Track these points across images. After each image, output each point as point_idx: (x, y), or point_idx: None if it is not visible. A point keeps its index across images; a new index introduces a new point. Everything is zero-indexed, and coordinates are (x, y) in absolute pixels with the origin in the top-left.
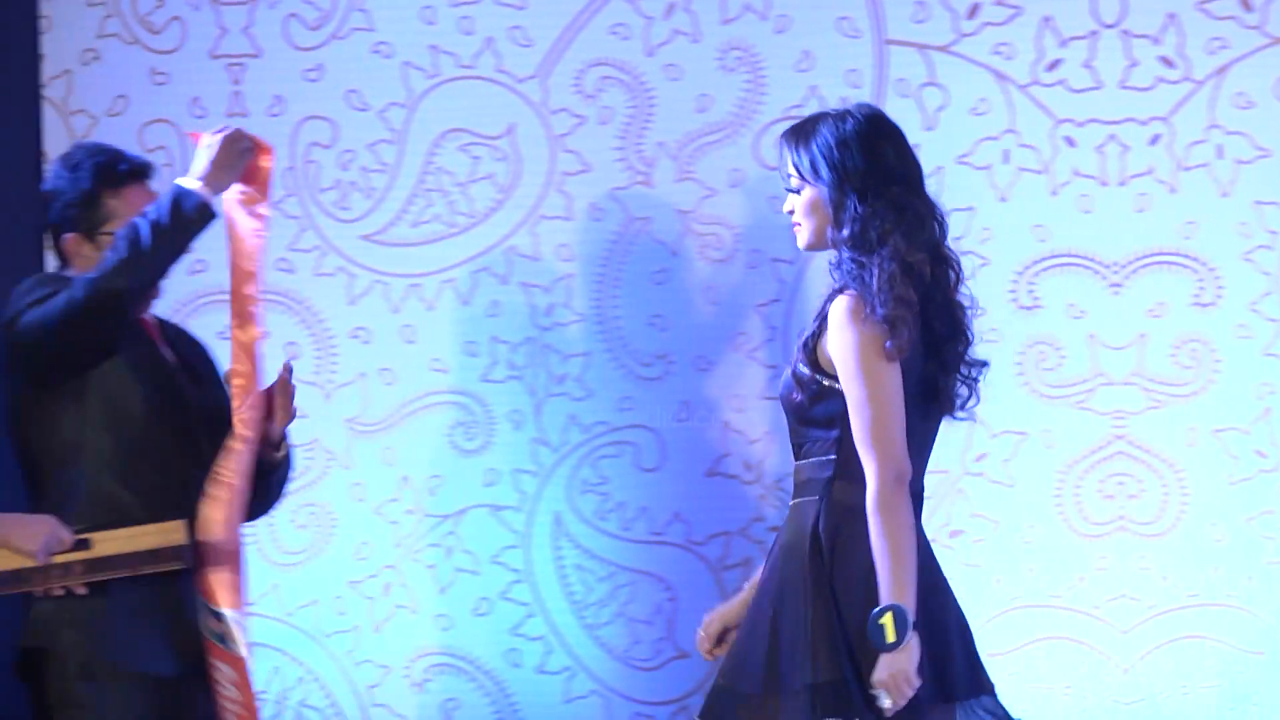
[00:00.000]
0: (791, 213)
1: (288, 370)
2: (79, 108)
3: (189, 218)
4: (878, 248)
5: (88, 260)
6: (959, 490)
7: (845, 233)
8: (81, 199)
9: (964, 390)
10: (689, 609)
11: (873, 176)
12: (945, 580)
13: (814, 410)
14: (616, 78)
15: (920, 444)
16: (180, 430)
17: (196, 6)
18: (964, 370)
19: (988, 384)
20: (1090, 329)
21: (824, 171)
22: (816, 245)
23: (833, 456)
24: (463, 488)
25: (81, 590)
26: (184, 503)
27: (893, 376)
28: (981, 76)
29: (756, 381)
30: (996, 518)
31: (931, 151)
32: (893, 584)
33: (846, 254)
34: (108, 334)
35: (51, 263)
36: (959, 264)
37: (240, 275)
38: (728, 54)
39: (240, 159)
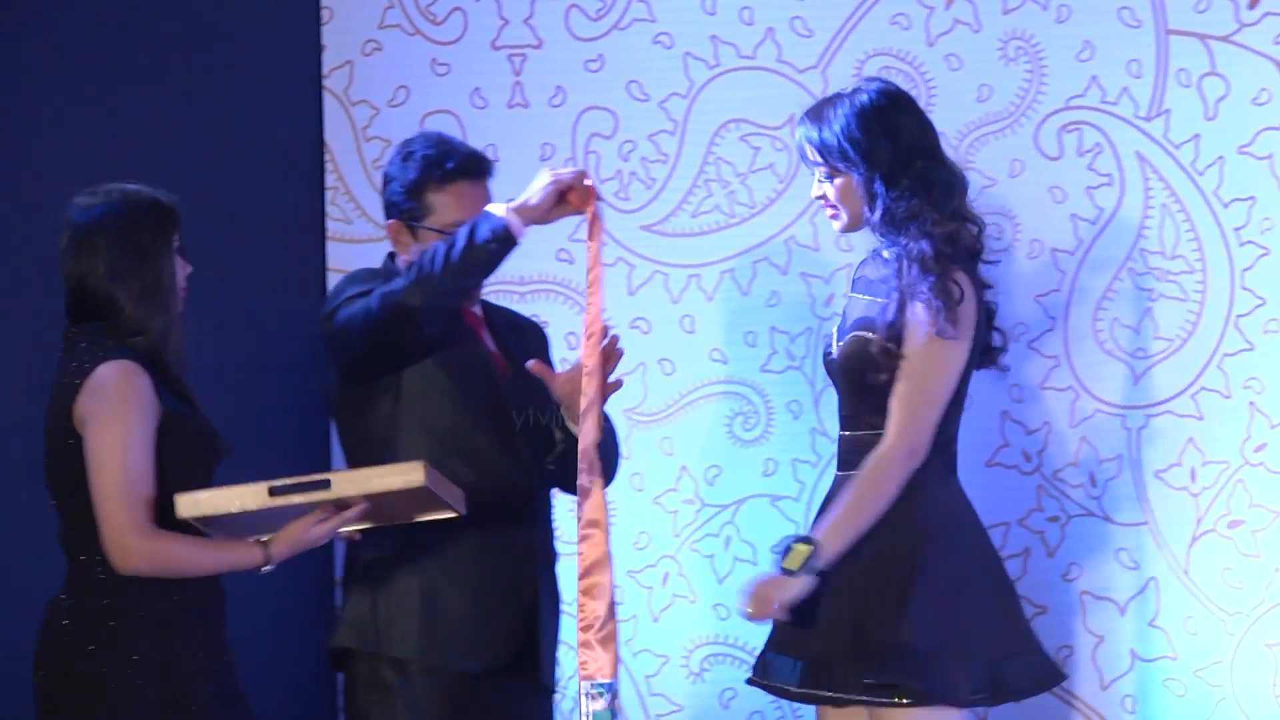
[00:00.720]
0: (822, 197)
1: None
2: (360, 98)
3: (480, 249)
4: (907, 226)
5: (405, 249)
6: (1238, 481)
7: (876, 216)
8: (406, 189)
9: (997, 339)
10: None
11: (898, 156)
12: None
13: (886, 385)
14: (896, 67)
15: (959, 400)
16: (495, 423)
17: None
18: (993, 320)
19: (1269, 374)
20: None
21: (854, 156)
22: (854, 228)
23: None
24: (741, 478)
25: (356, 537)
26: (497, 494)
27: (957, 362)
28: (1263, 66)
29: (1036, 372)
30: (1277, 508)
31: (1212, 141)
32: (836, 531)
33: (881, 238)
34: (406, 345)
35: (334, 252)
36: (980, 219)
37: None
38: (1008, 44)
39: (552, 198)
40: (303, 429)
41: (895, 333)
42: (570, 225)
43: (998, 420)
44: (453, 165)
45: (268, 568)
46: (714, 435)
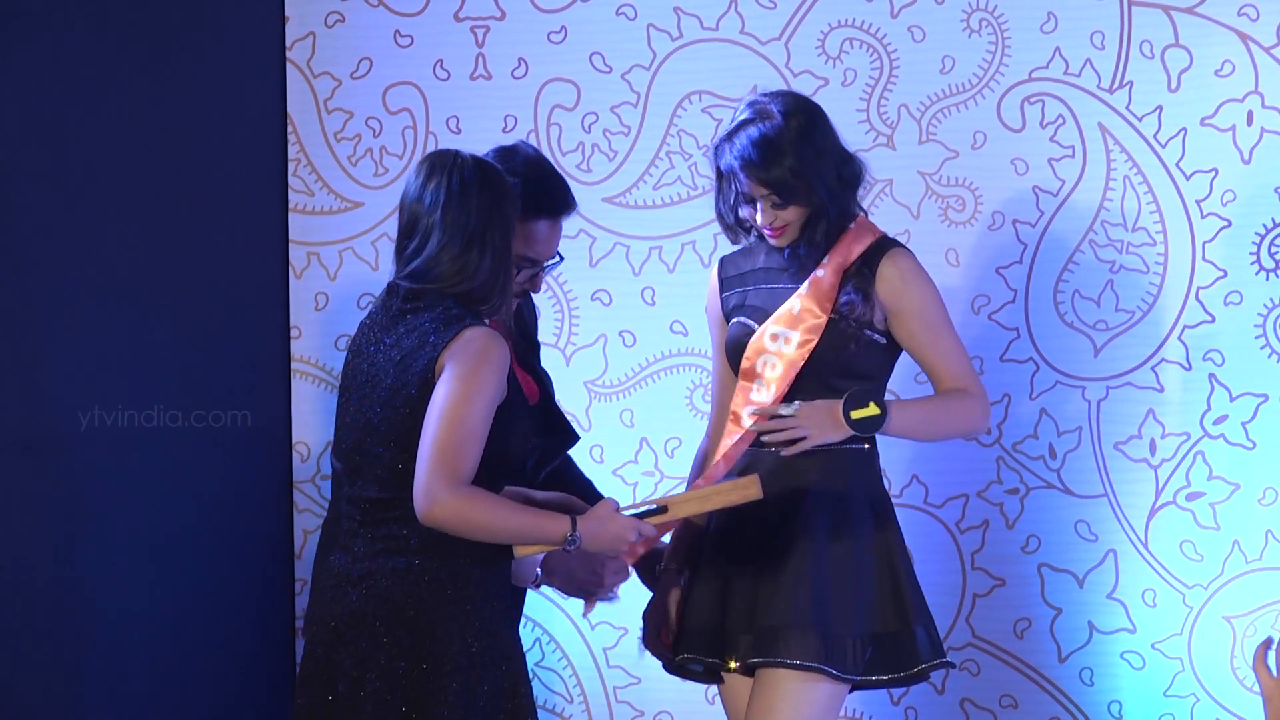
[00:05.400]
0: (767, 222)
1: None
2: (323, 70)
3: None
4: (845, 228)
5: None
6: (1198, 453)
7: (820, 234)
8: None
9: None
10: (926, 571)
11: (832, 170)
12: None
13: (860, 363)
14: (859, 39)
15: None
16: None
17: None
18: None
19: (1230, 347)
20: None
21: (809, 188)
22: (799, 238)
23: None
24: None
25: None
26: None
27: None
28: (1226, 38)
29: (996, 344)
30: (1236, 480)
31: (1174, 113)
32: (909, 417)
33: (815, 244)
34: None
35: (295, 224)
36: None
37: None
38: (972, 15)
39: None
40: (262, 397)
41: (868, 316)
42: None
43: None
44: (570, 205)
45: (572, 546)
46: (674, 407)
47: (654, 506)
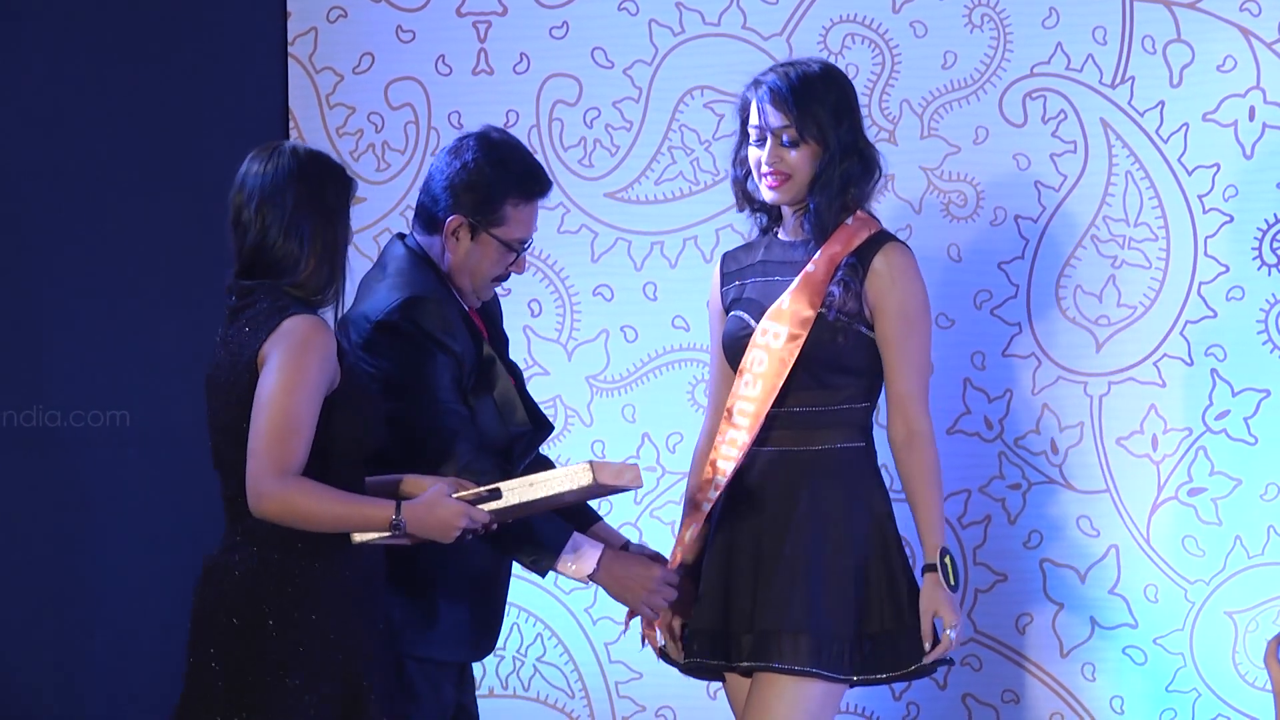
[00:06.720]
0: (775, 163)
1: None
2: (325, 65)
3: (532, 567)
4: (847, 217)
5: (458, 248)
6: (1200, 448)
7: (824, 201)
8: (489, 193)
9: None
10: None
11: (854, 140)
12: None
13: (851, 358)
14: (861, 34)
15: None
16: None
17: None
18: None
19: (1231, 342)
20: None
21: (830, 135)
22: (788, 203)
23: (867, 404)
24: None
25: (493, 527)
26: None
27: None
28: (1228, 33)
29: (998, 339)
30: (1238, 475)
31: (1176, 109)
32: (940, 521)
33: (813, 224)
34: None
35: None
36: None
37: None
38: (974, 10)
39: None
40: None
41: (854, 308)
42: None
43: (959, 387)
44: (541, 185)
45: (398, 530)
46: (676, 402)
47: (486, 492)
